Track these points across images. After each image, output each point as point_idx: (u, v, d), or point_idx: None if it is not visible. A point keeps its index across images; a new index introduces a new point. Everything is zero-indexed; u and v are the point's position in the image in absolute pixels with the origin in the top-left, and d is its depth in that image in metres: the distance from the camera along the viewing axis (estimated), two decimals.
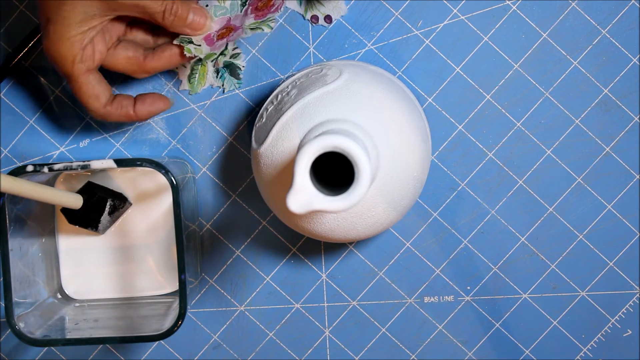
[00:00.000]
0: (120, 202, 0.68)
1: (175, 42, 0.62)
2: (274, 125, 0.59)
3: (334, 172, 0.60)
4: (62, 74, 0.61)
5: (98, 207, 0.67)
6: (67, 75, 0.61)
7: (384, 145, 0.57)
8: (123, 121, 0.66)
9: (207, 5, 0.64)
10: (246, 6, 0.63)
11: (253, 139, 0.62)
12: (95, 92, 0.62)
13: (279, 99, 0.61)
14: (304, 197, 0.51)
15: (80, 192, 0.67)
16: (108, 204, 0.67)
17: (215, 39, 0.62)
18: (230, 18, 0.63)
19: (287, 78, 0.64)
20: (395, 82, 0.64)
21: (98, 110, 0.63)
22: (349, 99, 0.59)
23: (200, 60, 0.68)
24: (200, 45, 0.62)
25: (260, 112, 0.63)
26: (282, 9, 0.61)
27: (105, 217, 0.67)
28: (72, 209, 0.66)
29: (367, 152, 0.53)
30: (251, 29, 0.62)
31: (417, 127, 0.61)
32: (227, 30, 0.63)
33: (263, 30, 0.62)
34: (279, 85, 0.64)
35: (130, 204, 0.69)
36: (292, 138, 0.58)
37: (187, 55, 0.62)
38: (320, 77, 0.60)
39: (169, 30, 0.63)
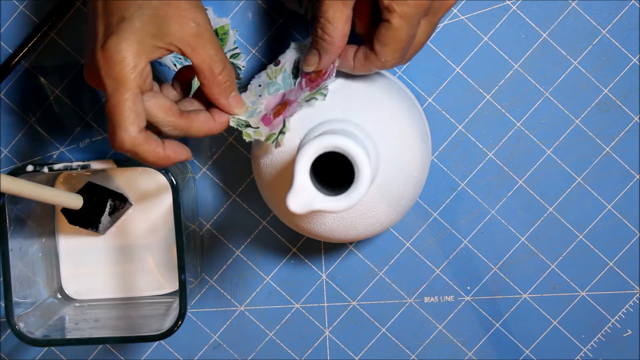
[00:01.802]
0: (120, 203, 0.68)
1: (231, 123, 0.58)
2: None
3: (335, 172, 0.60)
4: (111, 78, 0.52)
5: (98, 207, 0.67)
6: (118, 80, 0.52)
7: (383, 145, 0.57)
8: (146, 158, 0.54)
9: (259, 86, 0.61)
10: (299, 79, 0.60)
11: (253, 143, 0.62)
12: (135, 113, 0.53)
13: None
14: (304, 197, 0.51)
15: (80, 192, 0.67)
16: (108, 204, 0.67)
17: (272, 117, 0.59)
18: (284, 93, 0.61)
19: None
20: (394, 82, 0.64)
21: (129, 134, 0.52)
22: (349, 99, 0.59)
23: None
24: (258, 128, 0.58)
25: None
26: (334, 73, 0.58)
27: (105, 218, 0.67)
28: (72, 209, 0.66)
29: (367, 152, 0.53)
30: (306, 100, 0.58)
31: (417, 127, 0.61)
32: (283, 105, 0.59)
33: (317, 99, 0.58)
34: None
35: (131, 204, 0.69)
36: (292, 139, 0.58)
37: (247, 140, 0.58)
38: None
39: (206, 94, 0.57)
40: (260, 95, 0.61)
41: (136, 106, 0.53)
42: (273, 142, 0.56)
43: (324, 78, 0.58)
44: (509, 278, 0.71)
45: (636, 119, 0.69)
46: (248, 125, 0.59)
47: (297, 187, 0.51)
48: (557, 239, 0.71)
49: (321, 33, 0.56)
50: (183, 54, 0.54)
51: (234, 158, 0.70)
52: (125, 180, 0.69)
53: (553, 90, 0.69)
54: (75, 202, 0.65)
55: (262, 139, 0.58)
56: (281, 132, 0.57)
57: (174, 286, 0.70)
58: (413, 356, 0.72)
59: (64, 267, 0.70)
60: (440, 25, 0.68)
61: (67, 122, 0.70)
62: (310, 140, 0.51)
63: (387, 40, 0.55)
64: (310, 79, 0.59)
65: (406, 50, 0.56)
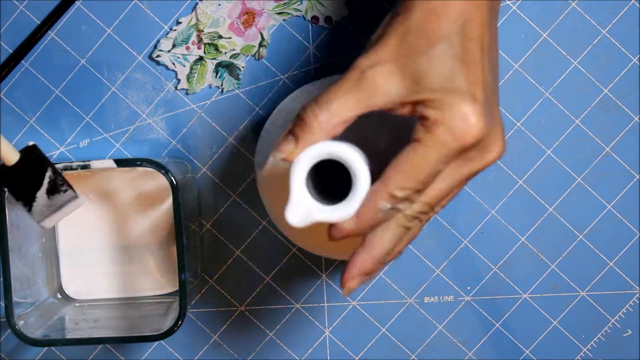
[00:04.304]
0: (63, 185, 0.59)
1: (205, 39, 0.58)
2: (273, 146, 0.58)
3: (340, 181, 0.59)
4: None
5: (35, 173, 0.58)
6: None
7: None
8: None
9: None
10: None
11: (255, 160, 0.62)
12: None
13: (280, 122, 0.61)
14: (302, 209, 0.49)
15: (21, 152, 0.59)
16: (47, 175, 0.58)
17: (242, 26, 0.58)
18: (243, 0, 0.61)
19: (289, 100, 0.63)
20: None
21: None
22: None
23: (201, 59, 0.68)
24: (230, 38, 0.58)
25: (262, 133, 0.63)
26: None
27: (42, 196, 0.58)
28: (8, 167, 0.58)
29: (363, 155, 0.52)
30: (278, 14, 0.57)
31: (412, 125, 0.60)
32: (250, 15, 0.59)
33: (292, 15, 0.57)
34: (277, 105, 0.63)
35: (80, 200, 0.59)
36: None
37: (223, 51, 0.58)
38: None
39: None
40: (219, 5, 0.61)
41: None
42: (255, 54, 0.56)
43: None
44: (509, 278, 0.71)
45: (636, 119, 0.69)
46: (220, 37, 0.58)
47: (295, 200, 0.49)
48: (557, 239, 0.71)
49: (310, 116, 0.49)
50: None
51: (234, 158, 0.70)
52: (125, 181, 0.69)
53: (553, 90, 0.69)
54: (11, 154, 0.58)
55: (239, 50, 0.57)
56: (261, 45, 0.56)
57: (174, 286, 0.70)
58: (413, 356, 0.72)
59: (64, 267, 0.70)
60: None
61: (67, 122, 0.70)
62: (304, 150, 0.50)
63: (405, 166, 0.48)
64: None
65: (420, 189, 0.48)
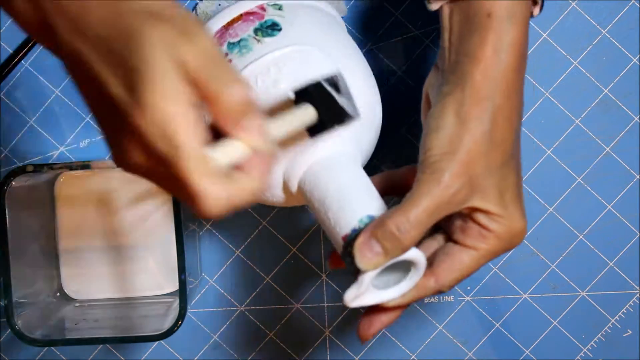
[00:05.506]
0: (335, 77, 0.52)
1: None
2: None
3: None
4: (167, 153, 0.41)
5: (325, 97, 0.51)
6: (174, 149, 0.41)
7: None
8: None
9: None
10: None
11: None
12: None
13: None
14: (363, 297, 0.51)
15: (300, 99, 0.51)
16: (326, 86, 0.51)
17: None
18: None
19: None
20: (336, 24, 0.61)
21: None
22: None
23: None
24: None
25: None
26: None
27: (341, 99, 0.51)
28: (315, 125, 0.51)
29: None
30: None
31: (367, 68, 0.59)
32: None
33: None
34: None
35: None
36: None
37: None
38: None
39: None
40: (219, 5, 0.59)
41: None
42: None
43: None
44: (509, 278, 0.71)
45: (636, 119, 0.69)
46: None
47: (363, 289, 0.50)
48: (557, 239, 0.71)
49: (405, 236, 0.49)
50: None
51: None
52: (125, 181, 0.69)
53: (553, 90, 0.69)
54: (310, 114, 0.50)
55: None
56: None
57: (174, 286, 0.70)
58: (413, 356, 0.72)
59: (64, 267, 0.70)
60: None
61: (67, 122, 0.70)
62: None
63: (458, 269, 0.52)
64: None
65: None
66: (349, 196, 0.52)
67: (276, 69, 0.54)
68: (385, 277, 0.52)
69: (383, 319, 0.53)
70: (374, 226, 0.49)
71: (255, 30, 0.55)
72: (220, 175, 0.42)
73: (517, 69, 0.50)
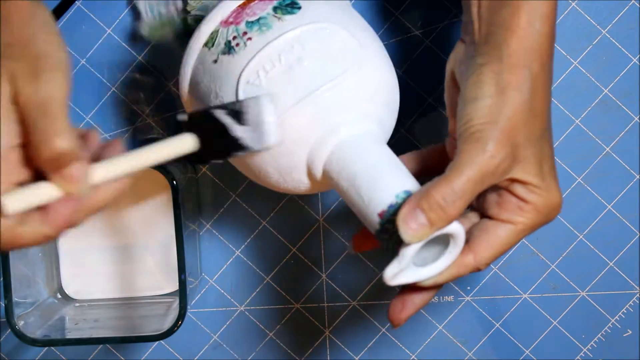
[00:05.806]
0: (238, 103, 0.50)
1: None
2: None
3: None
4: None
5: (212, 129, 0.49)
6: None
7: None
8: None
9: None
10: None
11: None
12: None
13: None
14: (402, 274, 0.50)
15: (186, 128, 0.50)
16: (219, 117, 0.49)
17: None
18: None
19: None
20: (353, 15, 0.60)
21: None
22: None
23: None
24: None
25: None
26: None
27: (238, 130, 0.49)
28: (193, 153, 0.50)
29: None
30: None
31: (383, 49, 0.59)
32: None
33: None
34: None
35: (266, 96, 0.50)
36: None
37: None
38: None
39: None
40: None
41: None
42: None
43: None
44: (509, 278, 0.71)
45: (636, 119, 0.69)
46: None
47: (404, 264, 0.49)
48: (557, 239, 0.71)
49: (450, 207, 0.48)
50: None
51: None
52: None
53: (553, 90, 0.69)
54: (187, 143, 0.49)
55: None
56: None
57: (174, 286, 0.70)
58: (413, 356, 0.72)
59: (64, 267, 0.70)
60: (440, 25, 0.68)
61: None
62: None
63: (496, 245, 0.50)
64: None
65: None
66: (381, 172, 0.51)
67: (300, 47, 0.53)
68: (422, 255, 0.51)
69: (416, 300, 0.52)
70: (418, 197, 0.48)
71: (275, 9, 0.55)
72: (7, 217, 0.45)
73: (550, 40, 0.50)
